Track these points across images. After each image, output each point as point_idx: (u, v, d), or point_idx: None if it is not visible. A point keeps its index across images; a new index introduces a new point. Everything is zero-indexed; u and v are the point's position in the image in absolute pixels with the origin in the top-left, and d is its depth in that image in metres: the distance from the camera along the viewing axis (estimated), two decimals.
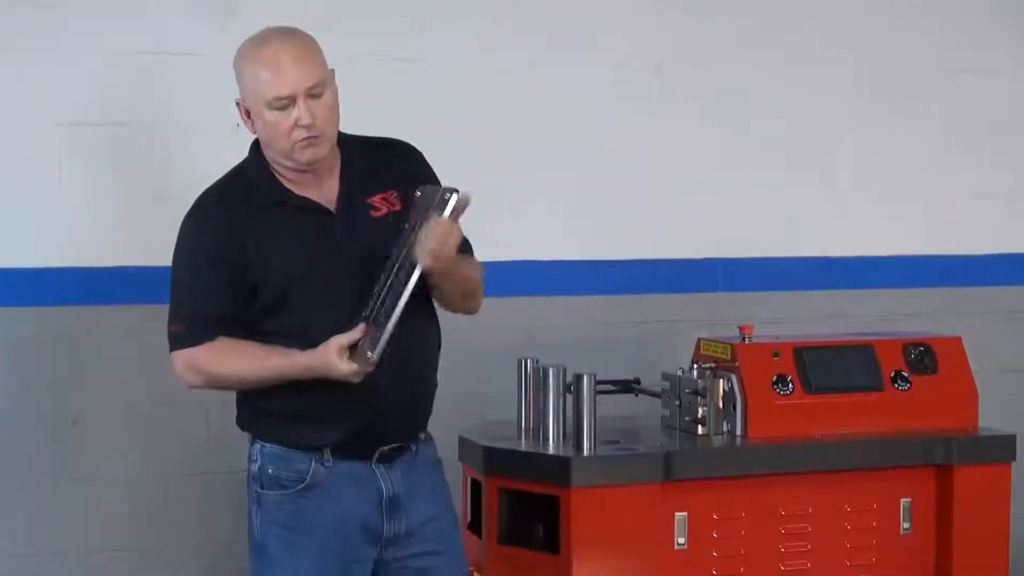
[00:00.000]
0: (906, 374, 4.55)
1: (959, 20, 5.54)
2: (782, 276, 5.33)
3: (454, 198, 3.39)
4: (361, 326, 3.39)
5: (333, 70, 3.51)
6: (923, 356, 4.59)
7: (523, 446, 4.37)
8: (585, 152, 5.10)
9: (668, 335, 5.06)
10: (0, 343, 4.53)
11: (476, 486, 4.37)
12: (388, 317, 3.37)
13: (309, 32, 3.52)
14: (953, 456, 4.42)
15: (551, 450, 4.29)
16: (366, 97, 4.82)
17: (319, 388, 3.44)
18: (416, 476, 3.59)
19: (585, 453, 4.20)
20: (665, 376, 4.60)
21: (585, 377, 4.26)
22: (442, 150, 4.92)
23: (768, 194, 5.33)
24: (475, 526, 4.38)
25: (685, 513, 4.24)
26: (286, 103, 3.41)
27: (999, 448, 4.51)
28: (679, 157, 5.21)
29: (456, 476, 4.51)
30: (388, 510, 3.54)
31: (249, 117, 3.49)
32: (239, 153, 3.64)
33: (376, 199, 3.56)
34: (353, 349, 3.40)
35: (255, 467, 3.55)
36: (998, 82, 5.61)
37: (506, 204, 5.00)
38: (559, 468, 4.16)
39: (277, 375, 3.46)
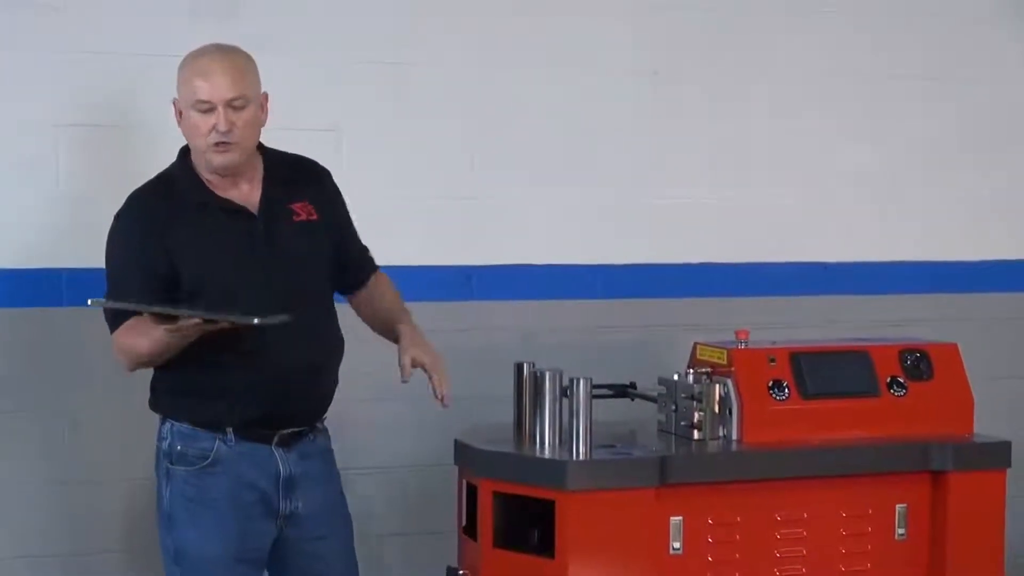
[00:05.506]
0: (902, 380, 4.55)
1: (959, 25, 5.54)
2: (778, 281, 5.33)
3: None
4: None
5: (266, 93, 3.83)
6: (919, 362, 4.60)
7: (519, 450, 4.37)
8: (581, 156, 5.10)
9: (664, 340, 5.06)
10: None
11: (472, 489, 4.37)
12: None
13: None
14: (948, 462, 4.42)
15: (547, 454, 4.29)
16: (364, 100, 4.85)
17: (234, 366, 3.75)
18: (311, 462, 3.91)
19: (581, 457, 4.20)
20: (661, 381, 4.60)
21: (581, 381, 4.25)
22: (440, 154, 4.97)
23: (764, 199, 5.32)
24: (470, 530, 4.38)
25: (680, 518, 4.24)
26: (207, 108, 3.74)
27: (994, 454, 4.51)
28: (675, 161, 5.21)
29: (451, 479, 4.51)
30: (284, 488, 3.86)
31: (181, 117, 3.82)
32: None
33: (296, 206, 3.90)
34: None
35: (165, 444, 3.86)
36: (996, 88, 5.61)
37: (502, 208, 5.01)
38: (555, 472, 4.16)
39: (163, 345, 3.68)
